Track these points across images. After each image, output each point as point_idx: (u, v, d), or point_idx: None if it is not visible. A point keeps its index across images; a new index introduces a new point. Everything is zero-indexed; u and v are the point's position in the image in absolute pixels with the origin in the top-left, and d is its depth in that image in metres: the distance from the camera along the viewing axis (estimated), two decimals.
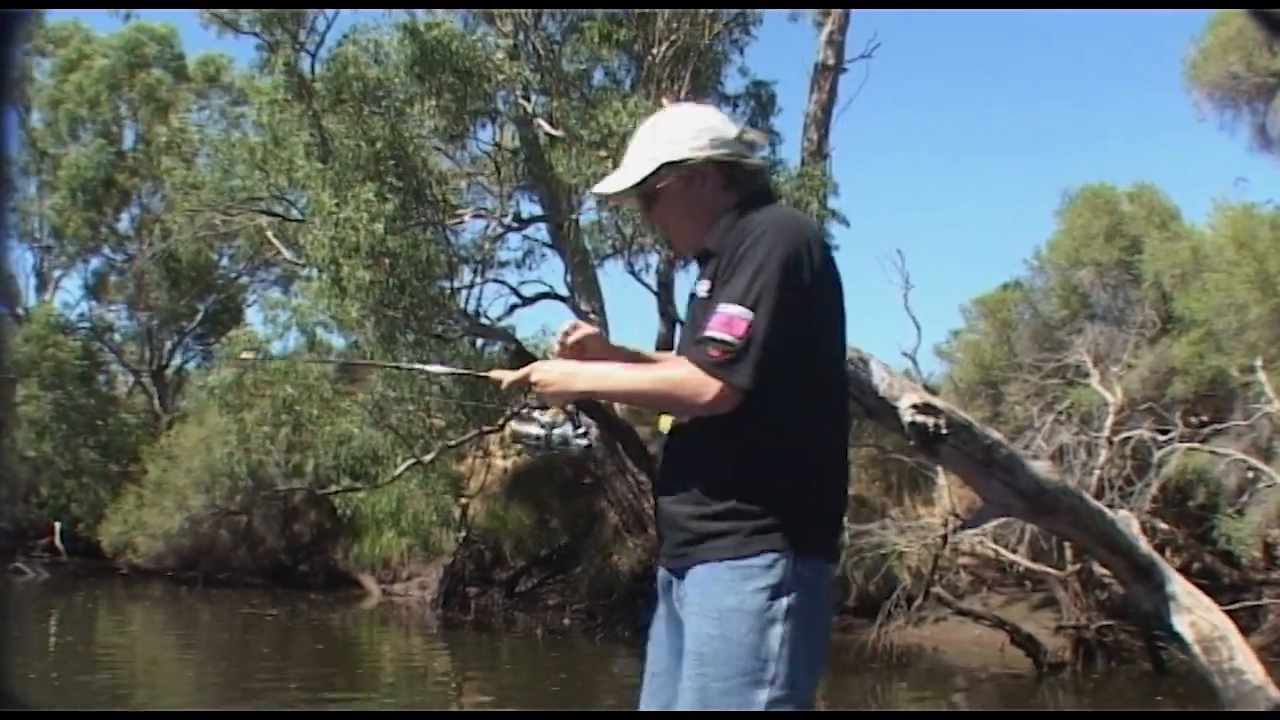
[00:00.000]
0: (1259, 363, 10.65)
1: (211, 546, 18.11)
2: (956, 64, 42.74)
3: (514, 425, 2.80)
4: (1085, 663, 11.33)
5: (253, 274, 22.45)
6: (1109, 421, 11.19)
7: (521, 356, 11.74)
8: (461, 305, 12.63)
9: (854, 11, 13.02)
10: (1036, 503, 5.44)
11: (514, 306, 13.67)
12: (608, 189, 2.59)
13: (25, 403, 18.71)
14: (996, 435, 5.58)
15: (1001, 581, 13.10)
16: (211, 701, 9.87)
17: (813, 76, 13.12)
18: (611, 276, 28.58)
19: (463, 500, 15.86)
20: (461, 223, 12.55)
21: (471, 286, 12.97)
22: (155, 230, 20.61)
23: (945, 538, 11.33)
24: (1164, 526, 11.13)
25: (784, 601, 2.29)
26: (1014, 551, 11.49)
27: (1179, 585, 5.59)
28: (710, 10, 12.49)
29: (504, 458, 16.81)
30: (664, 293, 13.41)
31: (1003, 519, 8.47)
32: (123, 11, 17.40)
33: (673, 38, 12.19)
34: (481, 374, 2.79)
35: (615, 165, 2.73)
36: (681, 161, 2.46)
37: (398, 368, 12.65)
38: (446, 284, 12.20)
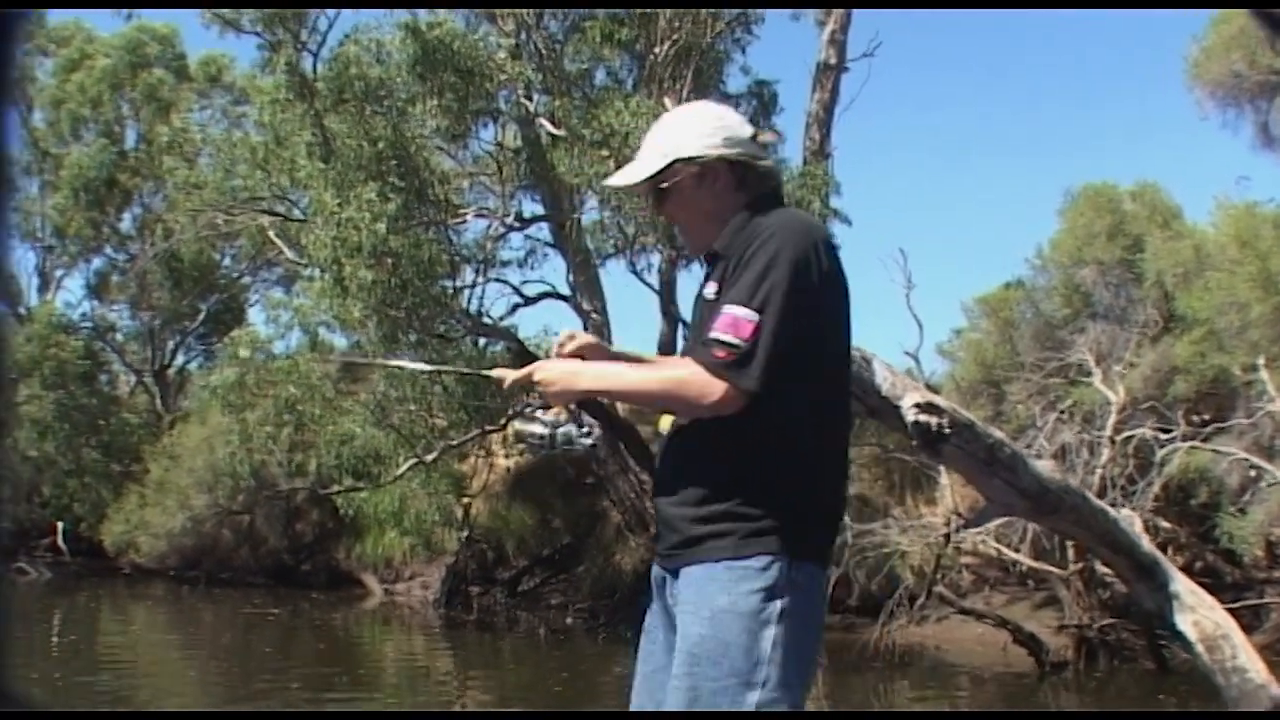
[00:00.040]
0: (1261, 361, 10.65)
1: (214, 546, 18.13)
2: (958, 63, 42.78)
3: (518, 424, 2.80)
4: (1088, 662, 11.34)
5: (255, 274, 22.46)
6: (1111, 420, 11.19)
7: (523, 356, 11.75)
8: (464, 305, 12.63)
9: (856, 11, 13.01)
10: (1039, 502, 5.44)
11: (516, 306, 13.69)
12: (620, 182, 2.59)
13: (27, 402, 18.71)
14: (999, 434, 5.58)
15: (1004, 580, 13.10)
16: (214, 701, 9.88)
17: (815, 75, 13.11)
18: (614, 276, 28.68)
19: (465, 500, 15.87)
20: (463, 222, 12.54)
21: (473, 286, 12.97)
22: (157, 230, 20.60)
23: (948, 537, 11.34)
24: (1166, 525, 11.14)
25: (777, 604, 2.29)
26: (1016, 551, 11.49)
27: (1181, 584, 5.60)
28: (712, 10, 12.49)
29: (506, 457, 16.81)
30: (666, 292, 13.41)
31: (1005, 518, 8.48)
32: (124, 11, 17.37)
33: (675, 37, 12.18)
34: (484, 372, 2.80)
35: (617, 165, 2.74)
36: (694, 158, 2.46)
37: (402, 368, 12.66)
38: (449, 284, 12.20)
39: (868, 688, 10.88)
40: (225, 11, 13.04)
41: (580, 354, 2.58)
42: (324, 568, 18.44)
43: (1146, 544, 5.76)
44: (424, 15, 11.72)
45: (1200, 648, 5.38)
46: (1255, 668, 5.36)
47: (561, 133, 11.62)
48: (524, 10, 12.32)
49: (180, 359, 23.12)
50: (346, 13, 12.88)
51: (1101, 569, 9.96)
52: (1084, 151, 36.47)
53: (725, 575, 2.31)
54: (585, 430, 2.63)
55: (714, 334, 2.31)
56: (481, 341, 13.15)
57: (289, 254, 14.69)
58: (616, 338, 13.32)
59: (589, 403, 2.68)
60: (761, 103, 13.66)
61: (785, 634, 2.29)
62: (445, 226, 12.16)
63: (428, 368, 8.39)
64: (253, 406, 14.08)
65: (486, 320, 13.08)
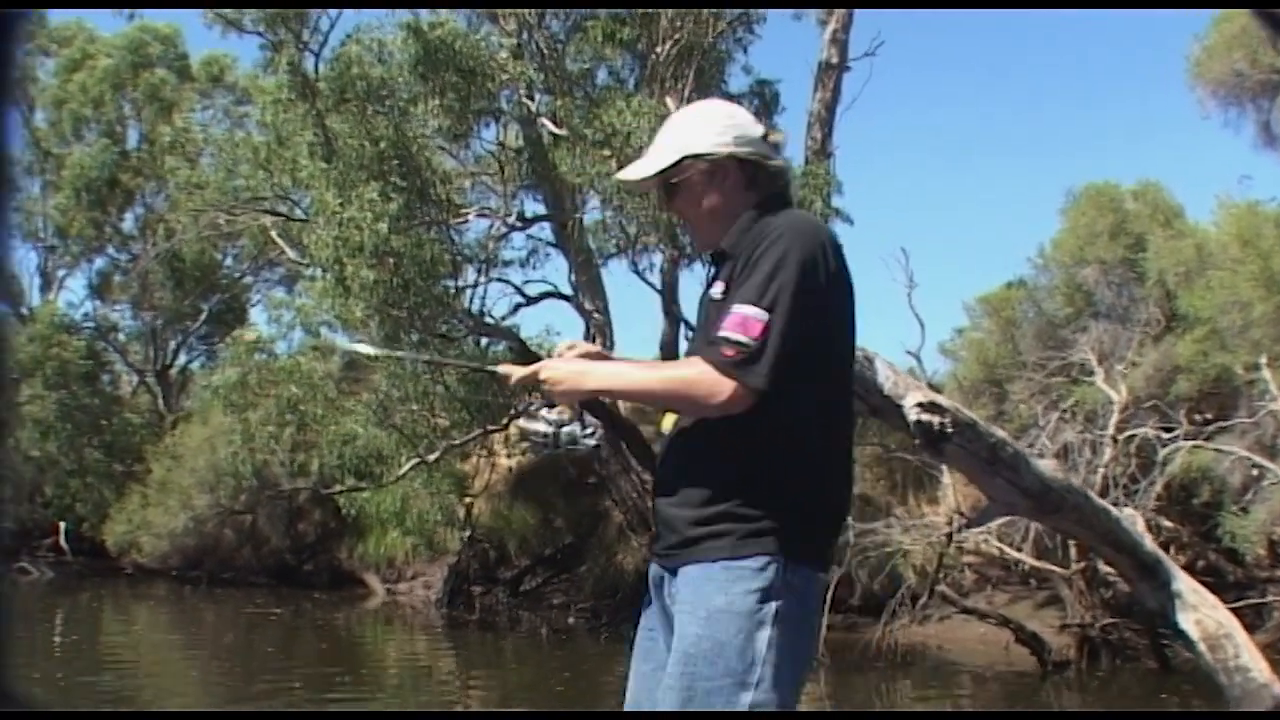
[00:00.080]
0: (1263, 360, 10.65)
1: (216, 546, 18.14)
2: (960, 62, 42.79)
3: (521, 423, 2.80)
4: (1090, 661, 11.33)
5: (257, 274, 22.47)
6: (1113, 419, 11.19)
7: (525, 356, 11.75)
8: (466, 305, 12.63)
9: (858, 10, 13.00)
10: (1041, 501, 5.44)
11: (518, 306, 13.69)
12: (630, 176, 2.59)
13: (30, 402, 18.73)
14: (1001, 434, 5.59)
15: (1006, 580, 13.10)
16: (216, 701, 9.88)
17: (816, 75, 13.10)
18: (616, 276, 28.67)
19: (467, 499, 15.87)
20: (465, 222, 12.54)
21: (475, 286, 12.97)
22: (159, 230, 20.62)
23: (950, 536, 11.32)
24: (1169, 524, 11.13)
25: (773, 605, 2.29)
26: (1018, 550, 11.49)
27: (1184, 583, 5.60)
28: (714, 9, 12.48)
29: (508, 457, 16.82)
30: (668, 292, 13.42)
31: (1007, 517, 8.48)
32: (126, 11, 17.40)
33: (676, 36, 12.18)
34: (491, 367, 2.83)
35: (619, 164, 2.74)
36: (705, 155, 2.46)
37: (412, 358, 12.63)
38: (450, 283, 12.20)
39: (870, 687, 10.87)
40: (227, 11, 13.04)
41: None
42: (326, 568, 18.45)
43: (1149, 543, 5.77)
44: (426, 15, 11.73)
45: (1203, 647, 5.38)
46: (1258, 667, 5.36)
47: (563, 132, 11.61)
48: (526, 10, 12.32)
49: (182, 359, 23.18)
50: (348, 13, 12.90)
51: (1104, 568, 9.97)
52: (1086, 151, 36.52)
53: (722, 575, 2.31)
54: (589, 430, 2.63)
55: (723, 333, 2.31)
56: (483, 341, 13.15)
57: (291, 254, 14.70)
58: (618, 337, 13.34)
59: (592, 402, 2.68)
60: (763, 102, 13.66)
61: (780, 636, 2.29)
62: (447, 226, 12.15)
63: (435, 359, 8.40)
64: (255, 406, 14.10)
65: (488, 320, 13.08)
